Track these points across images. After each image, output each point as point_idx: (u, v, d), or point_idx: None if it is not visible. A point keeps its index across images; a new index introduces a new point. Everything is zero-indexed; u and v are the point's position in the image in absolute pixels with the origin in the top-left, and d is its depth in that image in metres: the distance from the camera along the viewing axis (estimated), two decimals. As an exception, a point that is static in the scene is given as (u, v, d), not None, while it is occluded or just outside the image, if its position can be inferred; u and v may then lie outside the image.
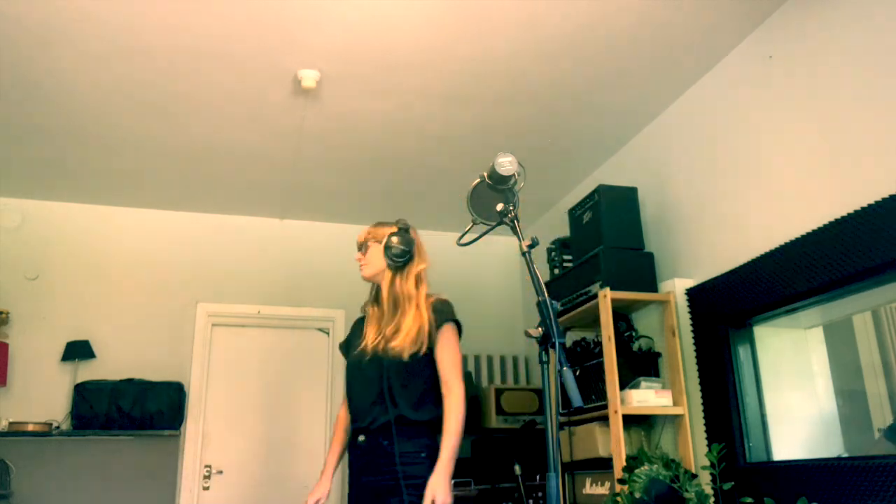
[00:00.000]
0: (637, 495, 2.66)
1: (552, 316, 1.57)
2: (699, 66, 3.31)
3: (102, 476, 4.27)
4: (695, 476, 2.75)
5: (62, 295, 4.53)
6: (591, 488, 3.31)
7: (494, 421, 4.49)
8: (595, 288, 3.34)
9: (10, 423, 4.06)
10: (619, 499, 2.69)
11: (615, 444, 3.02)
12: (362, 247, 2.55)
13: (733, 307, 2.93)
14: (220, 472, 4.53)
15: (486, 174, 1.84)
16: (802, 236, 2.63)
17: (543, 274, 3.88)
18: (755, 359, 2.97)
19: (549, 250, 3.94)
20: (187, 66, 3.21)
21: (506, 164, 1.81)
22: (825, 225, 2.53)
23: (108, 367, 4.42)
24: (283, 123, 3.74)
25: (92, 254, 4.66)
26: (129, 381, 4.35)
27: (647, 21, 2.97)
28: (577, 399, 1.48)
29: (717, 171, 3.24)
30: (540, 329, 1.58)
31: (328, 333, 4.95)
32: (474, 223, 1.90)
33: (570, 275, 3.62)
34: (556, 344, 1.54)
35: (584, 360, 3.49)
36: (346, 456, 2.46)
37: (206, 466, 4.51)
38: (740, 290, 2.90)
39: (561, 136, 3.96)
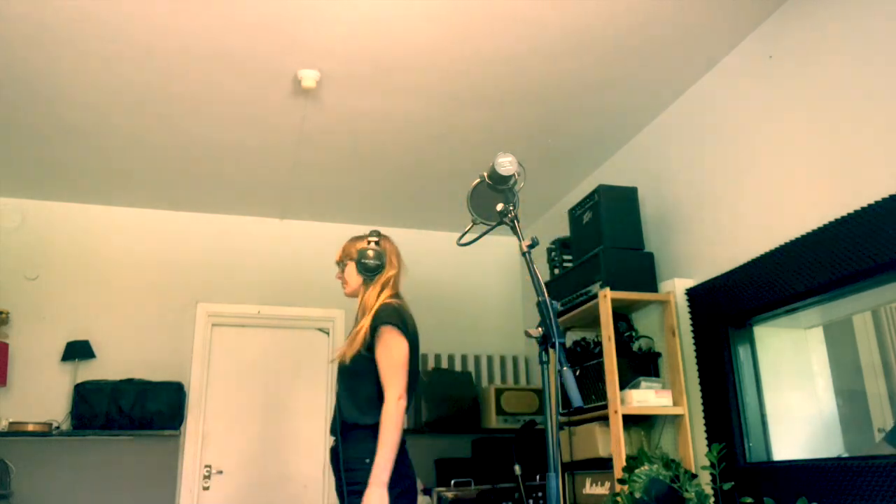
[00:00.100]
0: (637, 495, 2.66)
1: (552, 316, 1.57)
2: (699, 66, 3.32)
3: (102, 476, 4.27)
4: (695, 476, 2.75)
5: (62, 295, 4.53)
6: (591, 488, 3.31)
7: (494, 421, 4.49)
8: (595, 288, 3.34)
9: (10, 423, 4.06)
10: (619, 499, 2.69)
11: (615, 444, 3.02)
12: (339, 265, 2.61)
13: (733, 307, 2.93)
14: (220, 472, 4.53)
15: (486, 174, 1.84)
16: (802, 236, 2.63)
17: (543, 274, 3.88)
18: (755, 359, 2.97)
19: (549, 250, 3.94)
20: (187, 66, 3.21)
21: (506, 164, 1.80)
22: (825, 225, 2.53)
23: (108, 367, 4.42)
24: (283, 123, 3.74)
25: (92, 254, 4.65)
26: (129, 381, 4.34)
27: (647, 21, 2.97)
28: (577, 399, 1.48)
29: (717, 170, 3.24)
30: (540, 329, 1.58)
31: (328, 333, 4.95)
32: (474, 223, 1.89)
33: (570, 275, 3.62)
34: (556, 344, 1.54)
35: (584, 360, 3.49)
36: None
37: (206, 466, 4.51)
38: (740, 290, 2.90)
39: (561, 136, 3.96)
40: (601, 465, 3.23)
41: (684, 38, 3.10)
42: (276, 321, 4.86)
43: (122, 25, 2.91)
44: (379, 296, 2.45)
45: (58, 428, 4.19)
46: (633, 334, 3.44)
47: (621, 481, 2.77)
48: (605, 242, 3.35)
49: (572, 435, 3.46)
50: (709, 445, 2.84)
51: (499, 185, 1.83)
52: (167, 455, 4.41)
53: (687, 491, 2.66)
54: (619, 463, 2.91)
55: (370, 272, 2.49)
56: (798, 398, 2.92)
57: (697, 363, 3.11)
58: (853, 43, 2.55)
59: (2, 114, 3.58)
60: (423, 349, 4.86)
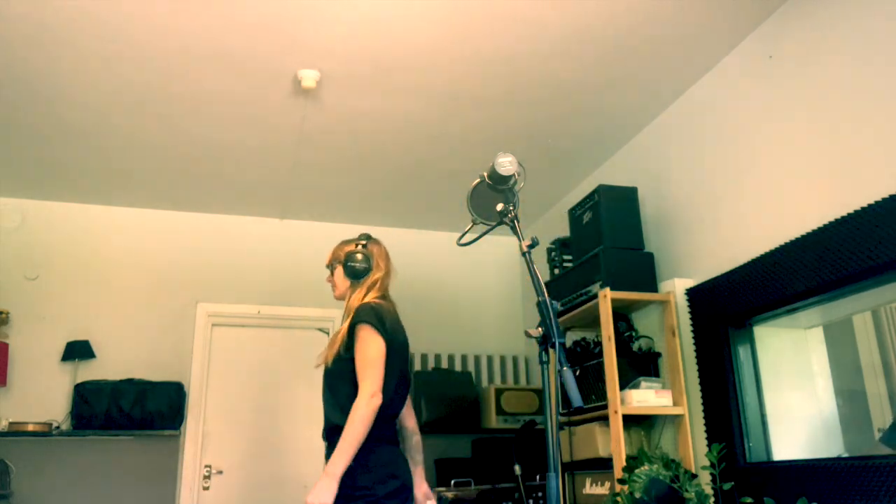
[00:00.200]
0: (637, 495, 2.66)
1: (552, 316, 1.57)
2: (699, 66, 3.32)
3: (102, 476, 4.27)
4: (695, 476, 2.75)
5: (62, 295, 4.53)
6: (591, 488, 3.31)
7: (494, 421, 4.49)
8: (595, 288, 3.34)
9: (10, 423, 4.06)
10: (619, 499, 2.69)
11: (615, 444, 3.02)
12: (329, 268, 2.62)
13: (733, 307, 2.93)
14: (220, 472, 4.53)
15: (486, 174, 1.84)
16: (802, 236, 2.63)
17: (543, 274, 3.88)
18: (755, 359, 2.97)
19: (549, 250, 3.94)
20: (187, 66, 3.21)
21: (506, 164, 1.80)
22: (825, 225, 2.53)
23: (108, 367, 4.42)
24: (283, 123, 3.74)
25: (92, 254, 4.65)
26: (129, 381, 4.35)
27: (647, 21, 2.97)
28: (577, 399, 1.48)
29: (717, 170, 3.24)
30: (540, 329, 1.58)
31: (328, 333, 4.95)
32: (474, 223, 1.89)
33: (570, 275, 3.62)
34: (556, 344, 1.54)
35: (584, 360, 3.49)
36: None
37: (206, 466, 4.51)
38: (740, 290, 2.90)
39: (561, 136, 3.96)
40: (601, 465, 3.23)
41: (684, 38, 3.10)
42: (275, 321, 4.86)
43: (122, 25, 2.91)
44: (363, 298, 2.45)
45: (58, 428, 4.19)
46: (633, 334, 3.44)
47: (621, 481, 2.77)
48: (605, 242, 3.35)
49: (572, 435, 3.46)
50: (709, 445, 2.84)
51: (499, 185, 1.83)
52: (167, 455, 4.41)
53: (687, 491, 2.66)
54: (619, 463, 2.91)
55: (357, 275, 2.50)
56: (798, 398, 2.92)
57: (697, 363, 3.11)
58: (853, 43, 2.55)
59: (2, 114, 3.58)
60: (423, 349, 4.90)
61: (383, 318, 2.38)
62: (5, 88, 3.34)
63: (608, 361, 3.12)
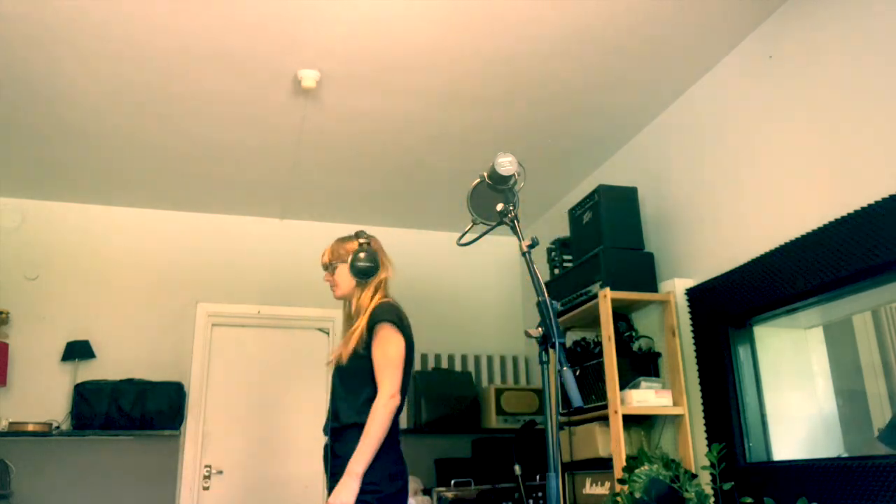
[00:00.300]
0: (637, 495, 2.66)
1: (552, 316, 1.57)
2: (699, 66, 3.32)
3: (102, 476, 4.27)
4: (695, 476, 2.75)
5: (62, 295, 4.53)
6: (591, 488, 3.31)
7: (494, 421, 4.49)
8: (595, 288, 3.34)
9: (10, 423, 4.06)
10: (619, 499, 2.69)
11: (615, 444, 3.02)
12: (328, 267, 2.56)
13: (733, 307, 2.93)
14: (220, 472, 4.53)
15: (485, 174, 1.84)
16: (802, 236, 2.63)
17: (543, 274, 3.89)
18: (755, 359, 2.97)
19: (549, 250, 3.94)
20: (187, 66, 3.21)
21: (506, 164, 1.81)
22: (825, 225, 2.53)
23: (108, 367, 4.42)
24: (283, 123, 3.74)
25: (92, 254, 4.65)
26: (129, 381, 4.35)
27: (647, 21, 2.97)
28: (577, 399, 1.48)
29: (717, 171, 3.24)
30: (540, 329, 1.58)
31: (328, 333, 4.95)
32: (474, 223, 1.89)
33: (570, 275, 3.62)
34: (556, 344, 1.54)
35: (584, 360, 3.49)
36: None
37: (206, 466, 4.51)
38: (740, 290, 2.90)
39: (561, 136, 3.96)
40: (601, 465, 3.23)
41: (684, 38, 3.10)
42: (275, 321, 4.86)
43: (122, 25, 2.91)
44: (373, 298, 2.45)
45: (58, 428, 4.19)
46: (633, 334, 3.44)
47: (621, 481, 2.77)
48: (605, 242, 3.35)
49: (572, 435, 3.46)
50: (709, 445, 2.84)
51: (499, 185, 1.83)
52: (167, 455, 4.41)
53: (687, 491, 2.66)
54: (619, 463, 2.91)
55: (365, 274, 2.47)
56: (798, 398, 2.92)
57: (697, 363, 3.11)
58: (853, 43, 2.55)
59: (2, 114, 3.58)
60: (423, 349, 4.89)
61: (402, 318, 2.41)
62: (5, 88, 3.34)
63: (608, 361, 3.12)
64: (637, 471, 2.71)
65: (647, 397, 3.09)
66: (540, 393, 4.62)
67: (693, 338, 3.15)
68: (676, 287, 3.28)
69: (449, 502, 4.02)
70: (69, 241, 4.64)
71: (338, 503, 2.13)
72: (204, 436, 4.55)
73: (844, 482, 2.32)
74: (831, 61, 2.64)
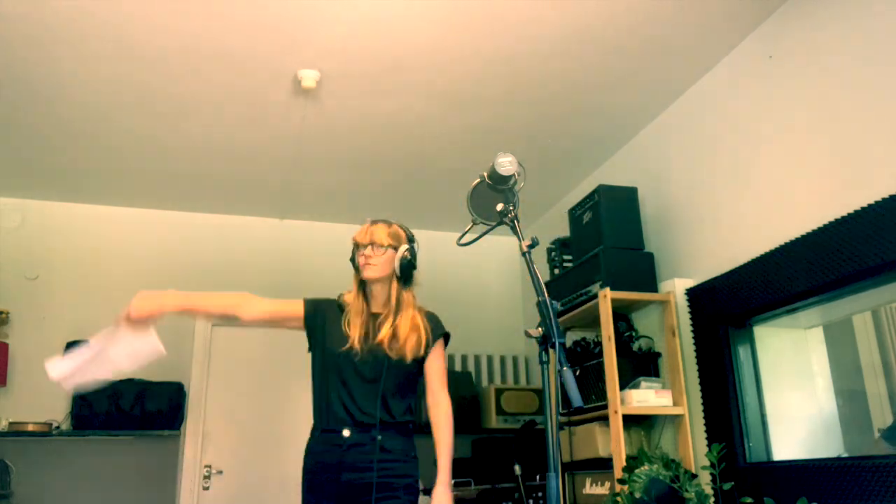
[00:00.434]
0: (637, 495, 2.66)
1: (552, 316, 1.56)
2: (699, 66, 3.31)
3: (102, 476, 4.27)
4: (695, 476, 2.75)
5: (62, 295, 4.52)
6: (591, 488, 3.31)
7: (494, 421, 4.49)
8: (595, 288, 3.34)
9: (10, 423, 4.06)
10: (619, 499, 2.69)
11: (615, 444, 3.02)
12: (380, 247, 2.38)
13: (733, 307, 2.93)
14: (220, 472, 4.53)
15: (486, 174, 1.84)
16: (802, 236, 2.63)
17: (543, 274, 3.88)
18: (755, 359, 2.97)
19: (549, 250, 3.94)
20: (187, 67, 3.21)
21: (506, 164, 1.80)
22: (825, 225, 2.53)
23: (108, 367, 4.42)
24: (283, 123, 3.73)
25: (92, 254, 4.65)
26: (129, 381, 4.34)
27: (647, 21, 2.97)
28: (577, 399, 1.48)
29: (717, 170, 3.24)
30: (540, 329, 1.58)
31: (328, 333, 4.94)
32: (474, 223, 1.89)
33: (570, 275, 3.62)
34: (556, 344, 1.53)
35: (584, 360, 3.49)
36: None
37: (206, 466, 4.51)
38: (740, 290, 2.90)
39: (561, 136, 3.96)
40: (601, 465, 3.23)
41: (684, 38, 3.10)
42: (276, 321, 4.85)
43: (122, 25, 2.91)
44: (415, 301, 2.48)
45: (58, 428, 4.19)
46: (633, 334, 3.43)
47: (621, 481, 2.77)
48: (605, 242, 3.35)
49: (572, 435, 3.46)
50: (709, 445, 2.84)
51: (499, 185, 1.83)
52: (167, 455, 4.41)
53: (687, 491, 2.66)
54: (619, 463, 2.91)
55: (406, 270, 2.40)
56: (798, 398, 2.92)
57: (697, 363, 3.11)
58: (853, 43, 2.55)
59: (2, 114, 3.58)
60: (423, 349, 4.91)
61: None
62: (5, 88, 3.34)
63: (608, 361, 3.12)
64: (637, 471, 2.71)
65: (647, 397, 3.09)
66: (540, 393, 4.62)
67: (693, 338, 3.15)
68: (676, 287, 3.28)
69: (449, 502, 4.02)
70: (69, 241, 4.64)
71: None
72: (204, 436, 4.55)
73: (844, 482, 2.32)
74: (831, 61, 2.64)
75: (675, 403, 3.12)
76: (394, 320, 2.38)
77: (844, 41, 2.59)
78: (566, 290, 3.61)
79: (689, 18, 2.96)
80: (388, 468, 2.25)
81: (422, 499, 2.50)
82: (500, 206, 1.80)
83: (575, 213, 3.68)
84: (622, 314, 3.49)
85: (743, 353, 2.99)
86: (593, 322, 3.52)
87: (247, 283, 4.84)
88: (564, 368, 1.50)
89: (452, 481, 2.27)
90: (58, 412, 4.27)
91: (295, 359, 4.84)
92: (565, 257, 3.83)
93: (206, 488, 4.47)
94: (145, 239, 4.78)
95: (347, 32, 2.99)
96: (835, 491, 2.35)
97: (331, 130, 3.82)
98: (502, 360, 5.11)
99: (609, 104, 3.63)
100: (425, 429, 4.67)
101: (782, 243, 2.73)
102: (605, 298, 3.19)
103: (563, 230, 3.90)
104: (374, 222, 2.44)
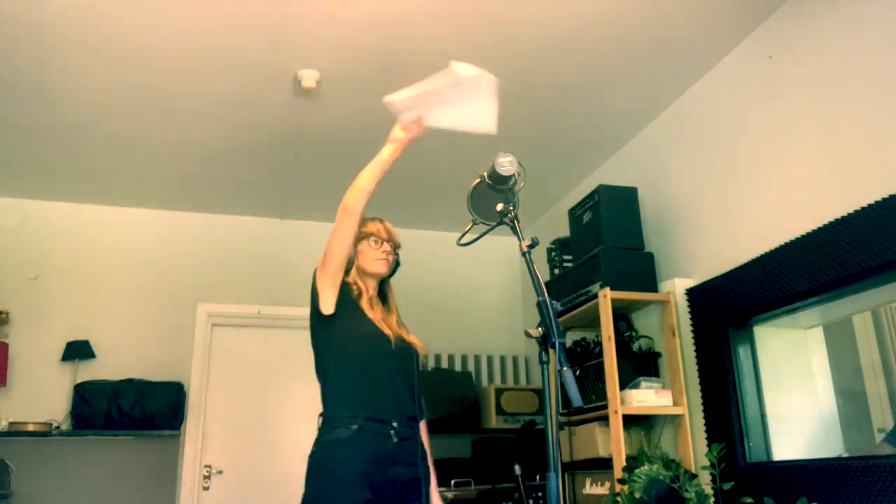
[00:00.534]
0: (637, 495, 2.66)
1: (552, 316, 1.56)
2: (699, 66, 3.31)
3: (102, 476, 4.27)
4: (695, 476, 2.75)
5: (62, 295, 4.52)
6: (591, 488, 3.31)
7: (494, 421, 4.49)
8: (595, 288, 3.34)
9: (10, 423, 4.06)
10: (619, 499, 2.69)
11: (615, 444, 3.02)
12: (397, 247, 2.57)
13: (733, 307, 2.93)
14: (220, 472, 4.53)
15: (485, 174, 1.85)
16: (802, 236, 2.63)
17: (543, 274, 3.88)
18: (755, 359, 2.97)
19: (549, 250, 3.94)
20: (187, 67, 3.21)
21: (506, 164, 1.81)
22: (825, 225, 2.53)
23: (108, 367, 4.42)
24: (283, 123, 3.73)
25: (92, 254, 4.65)
26: (129, 381, 4.34)
27: (647, 21, 2.97)
28: (577, 399, 1.48)
29: (717, 171, 3.24)
30: (540, 329, 1.58)
31: (328, 333, 4.94)
32: (474, 223, 1.90)
33: (570, 275, 3.62)
34: (556, 344, 1.53)
35: (584, 360, 3.49)
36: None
37: (206, 466, 4.51)
38: (740, 290, 2.90)
39: (561, 136, 3.96)
40: (601, 465, 3.23)
41: (684, 38, 3.10)
42: (275, 321, 4.86)
43: (122, 25, 2.91)
44: None
45: (58, 428, 4.19)
46: (633, 334, 3.44)
47: (621, 481, 2.77)
48: (605, 242, 3.35)
49: (572, 435, 3.46)
50: (709, 445, 2.84)
51: (499, 185, 1.83)
52: (167, 455, 4.41)
53: (687, 491, 2.66)
54: (619, 463, 2.91)
55: (395, 268, 2.51)
56: (798, 398, 2.92)
57: (697, 363, 3.11)
58: (853, 43, 2.55)
59: (2, 114, 3.58)
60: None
61: None
62: (5, 88, 3.34)
63: (608, 361, 3.12)
64: (637, 471, 2.71)
65: (647, 397, 3.09)
66: (540, 393, 4.62)
67: (693, 338, 3.15)
68: (676, 287, 3.28)
69: (449, 502, 4.02)
70: (69, 241, 4.64)
71: None
72: (204, 436, 4.55)
73: (844, 482, 2.32)
74: (831, 61, 2.64)
75: (675, 403, 3.12)
76: (396, 316, 2.43)
77: (844, 41, 2.59)
78: (566, 290, 3.61)
79: (689, 19, 2.96)
80: (425, 464, 2.22)
81: None
82: (500, 206, 1.80)
83: (575, 213, 3.68)
84: (622, 314, 3.49)
85: (743, 353, 2.99)
86: (593, 322, 3.52)
87: (246, 282, 4.88)
88: (564, 368, 1.50)
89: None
90: (58, 412, 4.27)
91: (295, 359, 4.86)
92: (565, 257, 3.83)
93: (206, 488, 4.47)
94: (145, 239, 4.78)
95: (347, 32, 2.99)
96: (835, 491, 2.35)
97: (331, 130, 3.82)
98: (502, 360, 5.11)
99: (609, 104, 3.63)
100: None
101: (782, 243, 2.73)
102: (605, 298, 3.19)
103: (563, 230, 3.90)
104: (382, 220, 2.56)
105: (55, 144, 3.91)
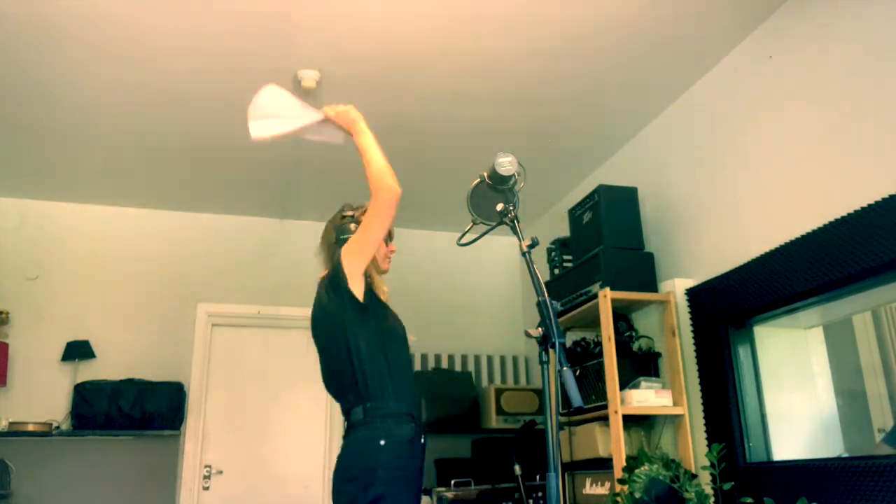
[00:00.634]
0: (637, 495, 2.66)
1: (552, 316, 1.57)
2: (699, 66, 3.31)
3: (102, 476, 4.27)
4: (695, 476, 2.75)
5: (62, 295, 4.52)
6: (591, 488, 3.31)
7: (494, 421, 4.49)
8: (595, 288, 3.34)
9: (10, 423, 4.06)
10: (619, 499, 2.69)
11: (615, 444, 3.02)
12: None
13: (733, 307, 2.93)
14: (220, 472, 4.53)
15: (486, 174, 1.85)
16: (802, 236, 2.63)
17: (543, 274, 3.88)
18: (755, 359, 2.97)
19: (549, 250, 3.94)
20: (187, 67, 3.21)
21: (506, 164, 1.81)
22: (825, 225, 2.53)
23: (108, 367, 4.42)
24: (283, 123, 3.73)
25: (92, 254, 4.65)
26: (129, 381, 4.34)
27: (647, 21, 2.97)
28: (577, 399, 1.48)
29: (717, 171, 3.24)
30: (540, 329, 1.58)
31: (328, 333, 4.94)
32: (474, 223, 1.90)
33: (570, 275, 3.62)
34: (556, 344, 1.54)
35: (584, 360, 3.49)
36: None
37: (206, 466, 4.51)
38: (740, 290, 2.90)
39: (561, 136, 3.96)
40: (601, 465, 3.23)
41: (684, 38, 3.10)
42: (275, 321, 4.86)
43: (122, 25, 2.91)
44: None
45: (58, 428, 4.19)
46: (633, 334, 3.44)
47: (621, 481, 2.77)
48: (605, 242, 3.35)
49: (572, 435, 3.46)
50: (709, 445, 2.84)
51: (499, 185, 1.83)
52: (167, 455, 4.41)
53: (687, 491, 2.66)
54: (619, 463, 2.91)
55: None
56: (798, 398, 2.92)
57: (697, 363, 3.11)
58: (853, 43, 2.55)
59: (2, 114, 3.58)
60: (423, 349, 4.92)
61: None
62: (5, 88, 3.34)
63: (608, 361, 3.12)
64: (637, 471, 2.71)
65: (647, 397, 3.09)
66: (540, 393, 4.62)
67: (693, 338, 3.15)
68: (676, 287, 3.28)
69: (449, 502, 4.02)
70: (69, 241, 4.64)
71: None
72: (204, 436, 4.55)
73: (844, 482, 2.32)
74: (831, 61, 2.64)
75: (675, 403, 3.12)
76: None
77: (844, 41, 2.59)
78: (566, 290, 3.61)
79: (689, 19, 2.96)
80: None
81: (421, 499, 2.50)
82: (500, 206, 1.80)
83: (575, 213, 3.68)
84: (622, 314, 3.49)
85: (743, 353, 2.99)
86: (593, 322, 3.52)
87: (246, 282, 4.88)
88: (564, 368, 1.50)
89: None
90: (58, 412, 4.27)
91: (295, 359, 4.85)
92: (565, 257, 3.83)
93: (206, 488, 4.47)
94: (145, 239, 4.78)
95: (347, 32, 2.99)
96: (835, 491, 2.35)
97: (331, 130, 3.82)
98: (502, 360, 5.11)
99: (609, 104, 3.63)
100: (424, 428, 4.67)
101: (782, 243, 2.73)
102: (605, 298, 3.19)
103: (563, 230, 3.90)
104: None
105: (55, 144, 3.91)
